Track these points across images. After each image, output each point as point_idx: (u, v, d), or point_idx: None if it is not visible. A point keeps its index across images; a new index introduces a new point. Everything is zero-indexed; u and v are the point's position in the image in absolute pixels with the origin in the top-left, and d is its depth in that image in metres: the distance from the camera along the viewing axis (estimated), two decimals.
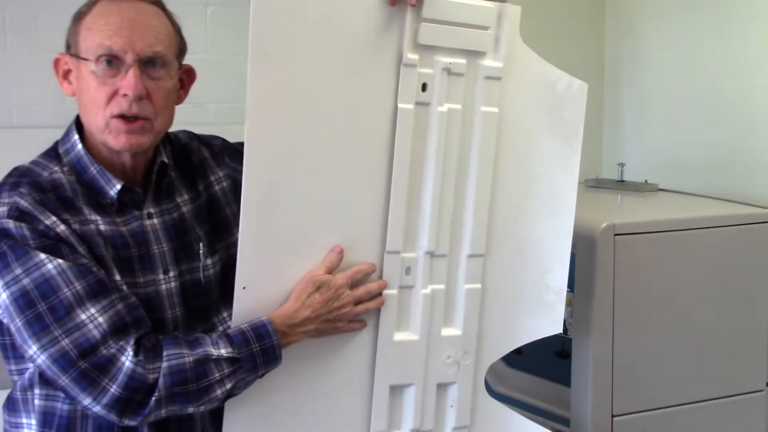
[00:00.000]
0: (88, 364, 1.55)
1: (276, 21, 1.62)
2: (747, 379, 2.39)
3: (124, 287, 1.62)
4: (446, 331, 1.85)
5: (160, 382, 1.56)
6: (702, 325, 2.32)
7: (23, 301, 1.57)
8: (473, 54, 1.79)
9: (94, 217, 1.66)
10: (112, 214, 1.69)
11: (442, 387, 1.87)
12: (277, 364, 1.66)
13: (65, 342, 1.55)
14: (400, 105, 1.73)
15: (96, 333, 1.55)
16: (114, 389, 1.55)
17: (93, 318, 1.55)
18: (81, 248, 1.59)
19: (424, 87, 1.75)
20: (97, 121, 1.65)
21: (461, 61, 1.77)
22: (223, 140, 1.96)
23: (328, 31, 1.68)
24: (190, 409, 1.62)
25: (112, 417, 1.57)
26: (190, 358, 1.59)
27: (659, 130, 3.24)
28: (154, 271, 1.72)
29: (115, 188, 1.68)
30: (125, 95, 1.63)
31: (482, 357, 1.91)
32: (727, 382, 2.36)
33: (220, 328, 1.80)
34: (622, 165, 2.87)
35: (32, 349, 1.54)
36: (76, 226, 1.61)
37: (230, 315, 1.77)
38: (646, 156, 3.26)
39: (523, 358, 2.47)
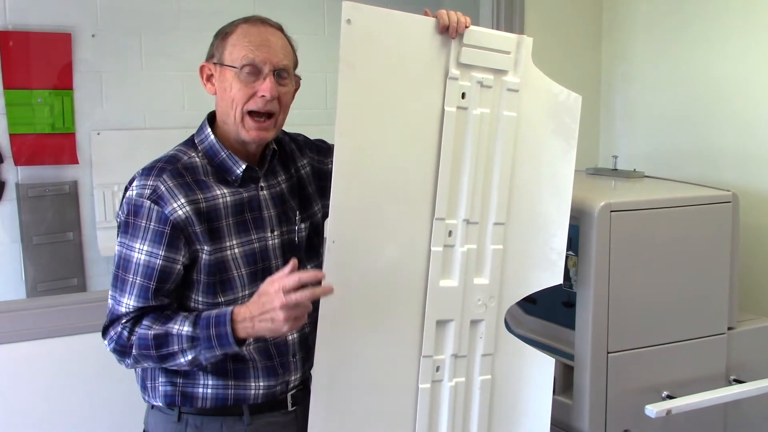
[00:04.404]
0: (108, 323, 1.78)
1: (358, 41, 1.74)
2: (712, 324, 2.43)
3: (176, 264, 1.74)
4: (477, 280, 1.97)
5: (134, 345, 1.72)
6: (678, 282, 2.35)
7: (116, 261, 1.78)
8: (499, 72, 1.92)
9: (222, 191, 1.80)
10: (235, 187, 1.82)
11: (474, 323, 1.98)
12: (231, 348, 1.67)
13: (110, 303, 1.78)
14: (446, 108, 1.86)
15: (122, 309, 1.75)
16: (112, 344, 1.76)
17: (128, 300, 1.74)
18: (193, 227, 1.74)
19: (463, 95, 1.87)
20: (235, 115, 1.78)
21: (490, 76, 1.91)
22: (305, 136, 2.08)
23: (396, 50, 1.80)
24: (166, 366, 1.75)
25: (115, 356, 1.78)
26: (152, 332, 1.70)
27: (644, 130, 3.30)
28: (264, 230, 1.84)
29: (240, 168, 1.82)
30: (263, 96, 1.76)
31: (503, 300, 2.02)
32: (697, 327, 2.40)
33: None
34: (615, 157, 2.89)
35: (109, 291, 1.79)
36: (202, 204, 1.75)
37: (313, 267, 1.92)
38: (635, 150, 3.32)
39: (537, 306, 2.53)
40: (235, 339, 1.66)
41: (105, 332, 1.79)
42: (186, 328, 1.69)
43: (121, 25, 3.33)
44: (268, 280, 1.66)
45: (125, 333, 1.74)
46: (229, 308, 1.69)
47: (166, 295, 1.77)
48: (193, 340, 1.68)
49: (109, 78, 3.33)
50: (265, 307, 1.63)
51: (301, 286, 1.63)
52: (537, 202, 2.04)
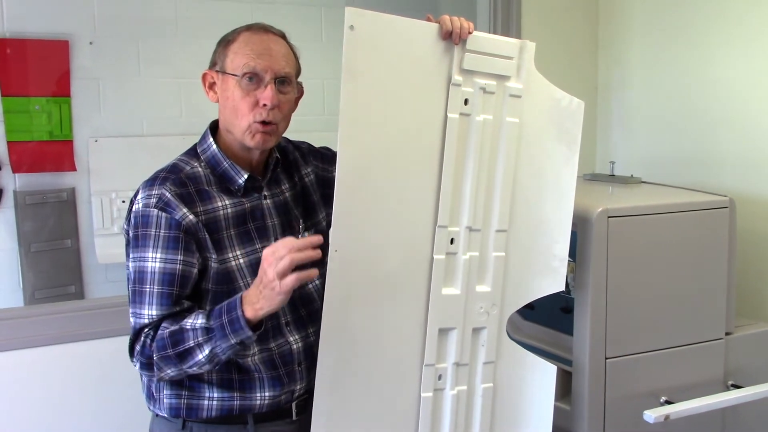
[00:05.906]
0: (133, 338, 1.73)
1: (361, 47, 1.72)
2: (710, 330, 2.42)
3: (194, 268, 1.71)
4: (479, 288, 1.94)
5: (154, 350, 1.67)
6: (675, 287, 2.34)
7: (131, 277, 1.74)
8: (501, 77, 1.90)
9: (225, 201, 1.77)
10: (238, 196, 1.80)
11: (476, 330, 1.96)
12: (244, 334, 1.61)
13: (132, 321, 1.73)
14: (449, 114, 1.84)
15: (145, 320, 1.70)
16: (139, 359, 1.71)
17: (150, 311, 1.70)
18: (202, 233, 1.72)
19: (466, 101, 1.85)
20: (241, 124, 1.76)
21: (493, 82, 1.89)
22: (309, 144, 2.06)
23: (399, 58, 1.78)
24: (190, 371, 1.68)
25: (143, 373, 1.74)
26: (168, 331, 1.66)
27: (641, 135, 3.29)
28: (269, 240, 1.81)
29: (243, 177, 1.80)
30: (264, 105, 1.73)
31: (505, 308, 2.00)
32: (694, 332, 2.39)
33: (310, 286, 1.90)
34: (612, 162, 2.89)
35: (129, 309, 1.74)
36: (202, 217, 1.73)
37: (318, 276, 1.86)
38: (632, 155, 3.31)
39: (535, 312, 2.51)
40: (246, 321, 1.60)
41: (131, 350, 1.73)
42: (200, 321, 1.65)
43: (119, 33, 3.32)
44: (266, 252, 1.61)
45: (148, 341, 1.69)
46: (239, 295, 1.64)
47: (186, 300, 1.74)
48: (207, 331, 1.63)
49: (107, 85, 3.31)
50: (261, 289, 1.59)
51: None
52: (539, 208, 2.01)
